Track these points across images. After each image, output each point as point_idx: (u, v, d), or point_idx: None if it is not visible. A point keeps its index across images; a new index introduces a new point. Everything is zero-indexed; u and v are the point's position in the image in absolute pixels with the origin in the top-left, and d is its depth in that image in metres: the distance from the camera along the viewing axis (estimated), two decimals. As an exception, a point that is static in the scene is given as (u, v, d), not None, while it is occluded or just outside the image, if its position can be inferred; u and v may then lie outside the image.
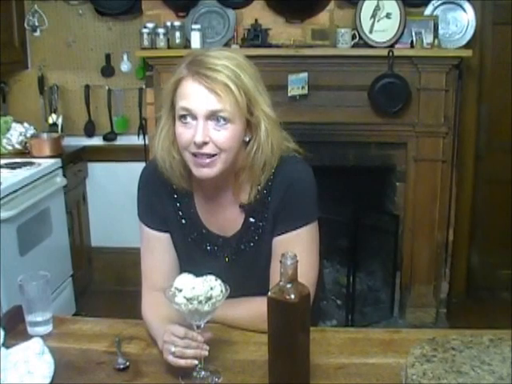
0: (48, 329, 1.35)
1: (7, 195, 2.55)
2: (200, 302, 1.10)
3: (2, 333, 1.21)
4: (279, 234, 1.34)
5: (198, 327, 1.14)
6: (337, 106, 2.88)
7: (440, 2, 2.81)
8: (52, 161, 3.00)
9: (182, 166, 1.31)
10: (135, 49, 3.06)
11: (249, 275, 1.38)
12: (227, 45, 2.88)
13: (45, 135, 3.23)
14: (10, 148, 3.17)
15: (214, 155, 1.24)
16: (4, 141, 3.17)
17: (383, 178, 3.17)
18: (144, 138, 3.32)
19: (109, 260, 3.54)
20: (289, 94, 2.81)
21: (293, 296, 1.04)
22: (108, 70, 3.39)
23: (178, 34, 2.85)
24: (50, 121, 3.37)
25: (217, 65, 1.21)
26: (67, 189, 3.12)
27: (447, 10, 2.82)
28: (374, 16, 2.80)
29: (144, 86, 3.20)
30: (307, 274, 1.23)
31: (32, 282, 1.33)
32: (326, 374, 1.16)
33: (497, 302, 3.32)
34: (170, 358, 1.15)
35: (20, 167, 2.85)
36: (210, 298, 1.11)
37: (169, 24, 2.86)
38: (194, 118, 1.22)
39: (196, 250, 1.40)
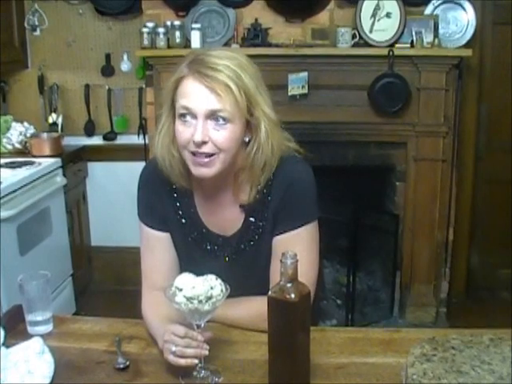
0: (48, 328, 1.35)
1: (7, 195, 2.55)
2: (200, 302, 1.10)
3: (2, 332, 1.21)
4: (279, 234, 1.34)
5: (198, 327, 1.14)
6: (337, 105, 2.88)
7: (440, 1, 2.81)
8: (52, 160, 3.00)
9: (181, 165, 1.31)
10: (135, 48, 3.06)
11: (249, 275, 1.38)
12: (227, 44, 2.88)
13: (45, 135, 3.22)
14: (10, 147, 3.17)
15: (212, 155, 1.24)
16: (4, 140, 3.17)
17: (383, 177, 3.17)
18: (144, 137, 3.32)
19: (109, 259, 3.54)
20: (289, 94, 2.81)
21: (293, 295, 1.04)
22: (108, 70, 3.39)
23: (178, 33, 2.85)
24: (50, 120, 3.37)
25: (218, 64, 1.21)
26: (67, 188, 3.12)
27: (447, 9, 2.82)
28: (374, 15, 2.80)
29: (144, 86, 3.19)
30: (307, 274, 1.23)
31: (32, 282, 1.33)
32: (325, 373, 1.16)
33: (497, 301, 3.32)
34: (171, 358, 1.15)
35: (20, 167, 2.85)
36: (210, 298, 1.11)
37: (169, 23, 2.86)
38: (194, 117, 1.22)
39: (196, 250, 1.40)
